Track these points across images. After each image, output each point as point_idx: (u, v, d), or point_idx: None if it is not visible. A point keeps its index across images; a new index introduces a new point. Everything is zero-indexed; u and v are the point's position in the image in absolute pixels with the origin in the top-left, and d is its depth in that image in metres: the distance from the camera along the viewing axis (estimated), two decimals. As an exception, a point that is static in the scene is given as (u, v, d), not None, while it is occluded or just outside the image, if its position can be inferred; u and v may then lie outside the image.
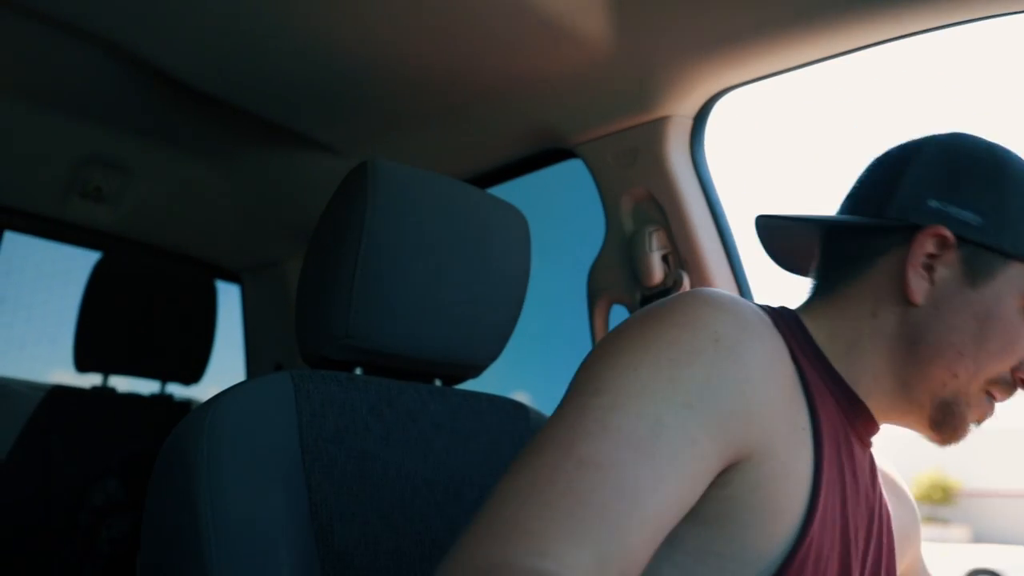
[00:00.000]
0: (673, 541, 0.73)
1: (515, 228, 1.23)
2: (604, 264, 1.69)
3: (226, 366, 2.61)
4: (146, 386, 2.32)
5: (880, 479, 0.95)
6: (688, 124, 1.58)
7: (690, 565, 0.73)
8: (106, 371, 2.20)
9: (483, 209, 1.19)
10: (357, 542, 0.98)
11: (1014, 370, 0.85)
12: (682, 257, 1.57)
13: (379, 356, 1.12)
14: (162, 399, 2.30)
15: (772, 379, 0.75)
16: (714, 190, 1.60)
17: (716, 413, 0.69)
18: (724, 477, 0.72)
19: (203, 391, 2.43)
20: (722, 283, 1.55)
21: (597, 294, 1.70)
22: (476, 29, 1.43)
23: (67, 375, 2.24)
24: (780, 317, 0.87)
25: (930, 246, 0.83)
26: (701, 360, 0.71)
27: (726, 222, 1.59)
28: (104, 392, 2.19)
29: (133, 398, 2.26)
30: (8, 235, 2.27)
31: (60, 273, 2.45)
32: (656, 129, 1.56)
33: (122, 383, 2.25)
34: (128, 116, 1.98)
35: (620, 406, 0.67)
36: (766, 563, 0.73)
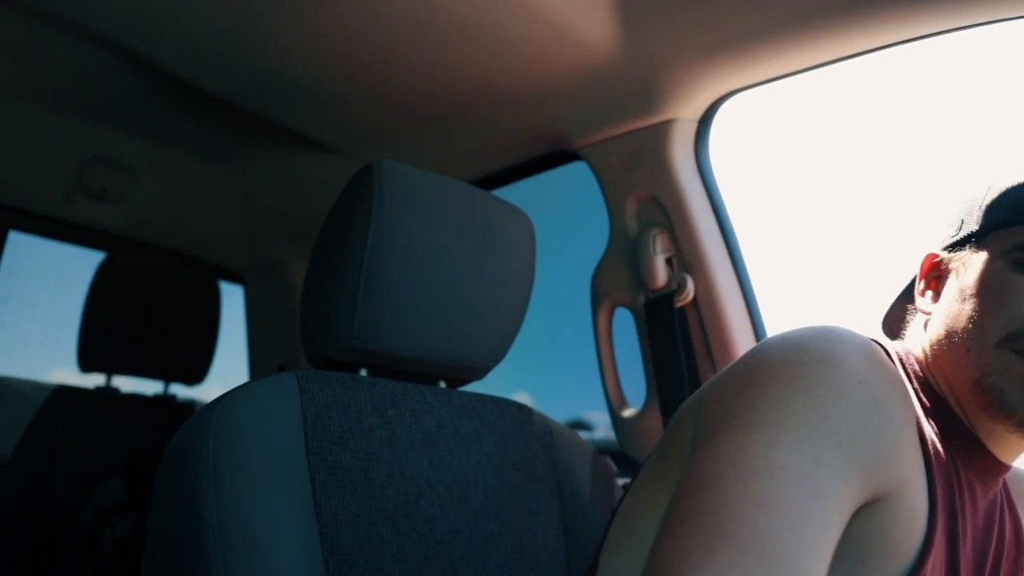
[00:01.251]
0: None
1: (520, 230, 1.23)
2: (608, 267, 1.69)
3: (229, 367, 2.61)
4: (149, 386, 2.32)
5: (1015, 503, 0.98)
6: (693, 127, 1.58)
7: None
8: (110, 371, 2.20)
9: (489, 211, 1.19)
10: (361, 543, 0.98)
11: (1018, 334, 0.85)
12: (686, 260, 1.57)
13: (384, 358, 1.12)
14: (165, 400, 2.30)
15: (906, 424, 0.78)
16: (718, 193, 1.61)
17: (863, 454, 0.71)
18: (854, 516, 0.73)
19: (206, 392, 2.43)
20: (725, 287, 1.56)
21: (601, 296, 1.70)
22: (482, 32, 1.43)
23: (71, 375, 2.24)
24: (898, 357, 0.92)
25: (926, 272, 0.97)
26: (849, 401, 0.72)
27: (730, 225, 1.60)
28: (108, 392, 2.20)
29: (136, 398, 2.26)
30: (13, 235, 2.27)
31: (64, 273, 2.45)
32: (661, 132, 1.57)
33: (126, 383, 2.25)
34: (133, 117, 1.98)
35: (780, 443, 0.68)
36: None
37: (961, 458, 0.88)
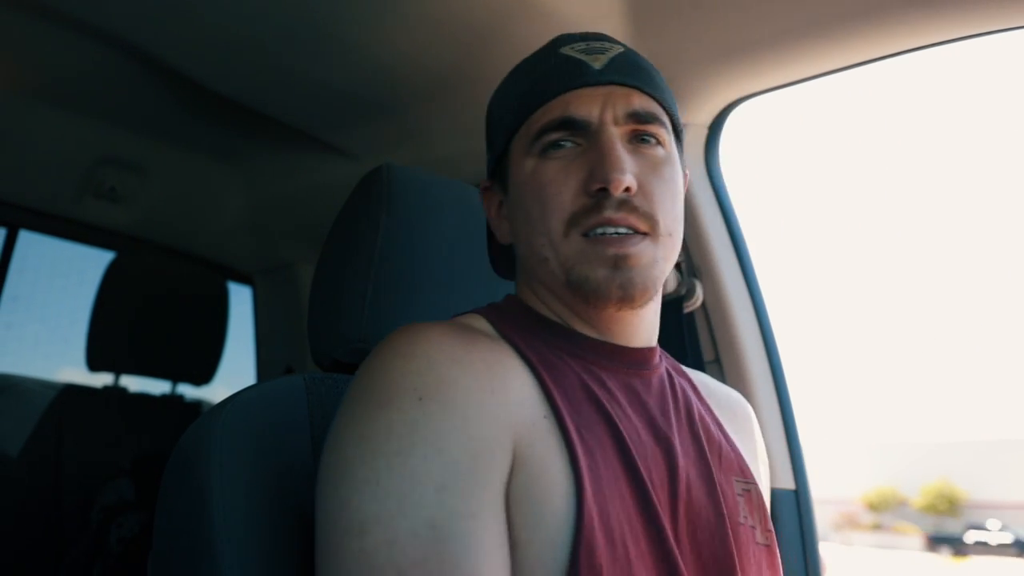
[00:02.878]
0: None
1: (530, 235, 1.22)
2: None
3: (236, 368, 2.61)
4: (157, 386, 2.33)
5: (709, 401, 0.99)
6: (703, 133, 1.58)
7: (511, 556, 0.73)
8: (118, 371, 2.21)
9: (498, 215, 1.19)
10: (368, 546, 0.98)
11: (589, 192, 0.85)
12: (695, 265, 1.57)
13: (392, 360, 1.12)
14: (173, 399, 2.30)
15: (497, 386, 0.78)
16: (728, 199, 1.60)
17: (467, 472, 0.71)
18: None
19: (213, 392, 2.43)
20: (735, 291, 1.55)
21: (609, 301, 1.70)
22: (494, 36, 1.43)
23: (79, 374, 2.25)
24: (497, 310, 0.94)
25: (487, 201, 1.00)
26: (420, 433, 0.72)
27: (740, 231, 1.59)
28: (115, 392, 2.20)
29: (144, 398, 2.27)
30: (23, 234, 2.28)
31: (74, 273, 2.46)
32: (671, 137, 1.56)
33: (133, 383, 2.26)
34: (144, 117, 1.99)
35: (392, 539, 0.68)
36: (560, 535, 0.73)
37: (600, 366, 0.88)
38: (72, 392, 2.13)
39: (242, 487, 0.90)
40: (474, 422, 0.74)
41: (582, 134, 0.88)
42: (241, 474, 0.91)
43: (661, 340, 1.60)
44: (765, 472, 1.06)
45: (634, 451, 0.81)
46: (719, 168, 1.61)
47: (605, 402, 0.84)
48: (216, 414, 0.95)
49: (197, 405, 2.37)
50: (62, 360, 2.44)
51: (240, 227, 2.44)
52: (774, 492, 1.44)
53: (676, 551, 0.77)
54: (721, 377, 1.54)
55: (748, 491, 0.92)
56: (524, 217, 0.90)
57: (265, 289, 2.70)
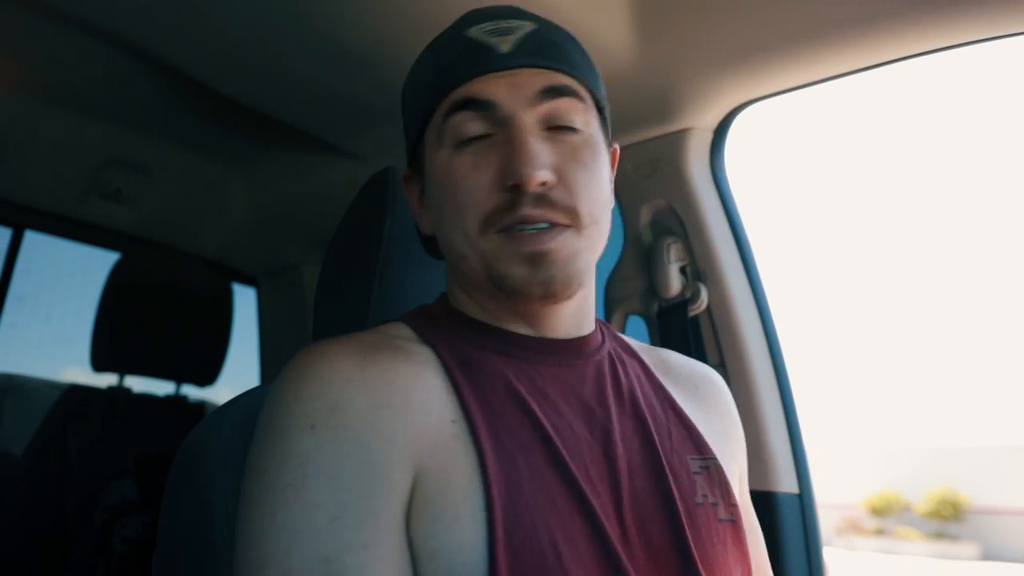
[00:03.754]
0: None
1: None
2: (621, 275, 1.69)
3: (241, 369, 2.62)
4: (161, 387, 2.33)
5: (665, 380, 0.97)
6: (709, 136, 1.58)
7: (423, 569, 0.72)
8: (122, 371, 2.21)
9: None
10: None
11: (504, 188, 0.82)
12: (700, 269, 1.57)
13: (397, 362, 1.12)
14: (177, 400, 2.30)
15: (386, 416, 0.75)
16: (733, 203, 1.60)
17: (360, 499, 0.70)
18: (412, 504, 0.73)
19: (216, 394, 2.44)
20: (739, 296, 1.55)
21: (614, 305, 1.70)
22: (499, 38, 1.43)
23: (83, 374, 2.25)
24: (425, 313, 0.93)
25: (411, 187, 0.96)
26: (312, 463, 0.71)
27: (745, 234, 1.59)
28: (120, 392, 2.20)
29: (148, 399, 2.27)
30: (29, 234, 2.29)
31: (79, 273, 2.47)
32: (676, 141, 1.57)
33: (138, 383, 2.26)
34: (150, 118, 2.00)
35: (285, 572, 0.68)
36: (469, 542, 0.71)
37: (529, 362, 0.86)
38: (76, 392, 2.13)
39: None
40: (367, 446, 0.73)
41: (491, 121, 0.84)
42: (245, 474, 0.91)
43: (666, 343, 1.60)
44: (738, 446, 1.02)
45: (563, 449, 0.79)
46: (724, 172, 1.61)
47: (532, 401, 0.82)
48: (222, 415, 0.95)
49: (201, 406, 2.37)
50: (67, 360, 2.45)
51: (245, 229, 2.44)
52: (778, 496, 1.44)
53: (618, 546, 0.76)
54: (726, 380, 1.54)
55: (707, 468, 0.89)
56: (440, 212, 0.88)
57: (269, 290, 2.70)
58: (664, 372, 1.01)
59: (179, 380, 2.31)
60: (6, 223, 2.27)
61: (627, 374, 0.93)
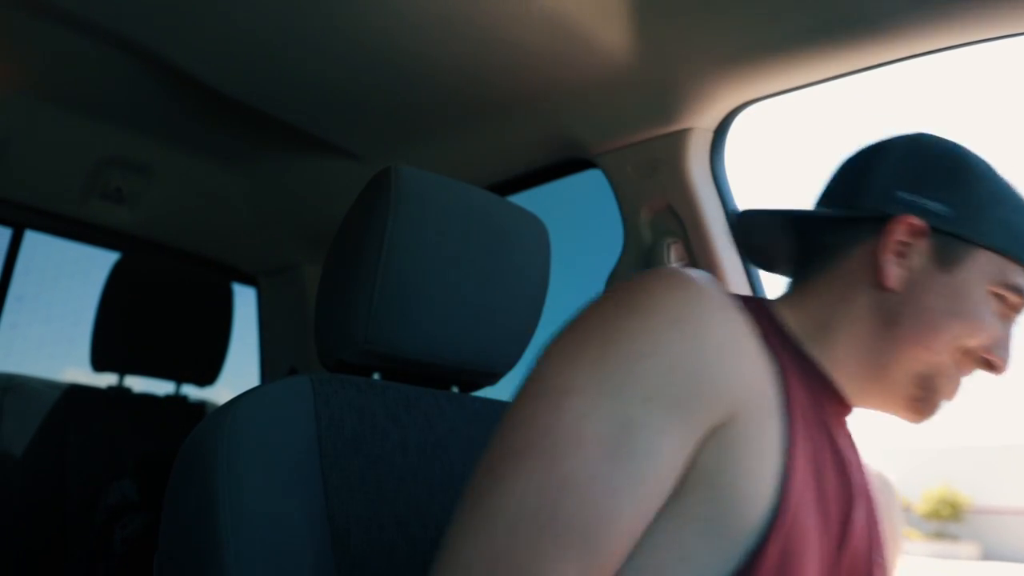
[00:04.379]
0: (660, 511, 0.74)
1: (536, 237, 1.23)
2: (622, 275, 1.69)
3: (241, 369, 2.62)
4: (161, 387, 2.33)
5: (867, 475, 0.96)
6: (709, 137, 1.59)
7: (676, 530, 0.73)
8: (122, 371, 2.21)
9: (504, 217, 1.19)
10: (373, 548, 0.98)
11: (983, 350, 0.87)
12: (700, 269, 1.57)
13: (397, 362, 1.12)
14: (177, 400, 2.31)
15: (733, 353, 0.76)
16: (733, 203, 1.61)
17: (681, 399, 0.71)
18: (704, 447, 0.74)
19: (216, 394, 2.44)
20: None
21: (614, 304, 1.70)
22: (499, 39, 1.43)
23: (84, 374, 2.25)
24: (751, 302, 0.90)
25: (902, 234, 0.87)
26: (663, 348, 0.72)
27: (744, 235, 1.59)
28: (120, 392, 2.21)
29: (148, 398, 2.27)
30: (29, 234, 2.29)
31: (79, 273, 2.47)
32: (676, 141, 1.57)
33: (138, 383, 2.26)
34: (150, 118, 2.00)
35: (591, 411, 0.69)
36: (750, 525, 0.73)
37: (820, 397, 0.88)
38: (77, 392, 2.13)
39: (249, 486, 0.91)
40: (712, 366, 0.73)
41: None
42: (248, 473, 0.91)
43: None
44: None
45: (828, 486, 0.82)
46: (724, 172, 1.62)
47: (817, 429, 0.84)
48: (224, 413, 0.95)
49: (201, 406, 2.37)
50: (67, 360, 2.45)
51: (245, 228, 2.44)
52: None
53: None
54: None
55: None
56: (920, 312, 0.87)
57: (269, 290, 2.70)
58: None
59: (179, 380, 2.31)
60: (6, 223, 2.27)
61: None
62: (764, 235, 1.02)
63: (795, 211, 0.97)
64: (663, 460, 0.70)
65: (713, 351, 0.74)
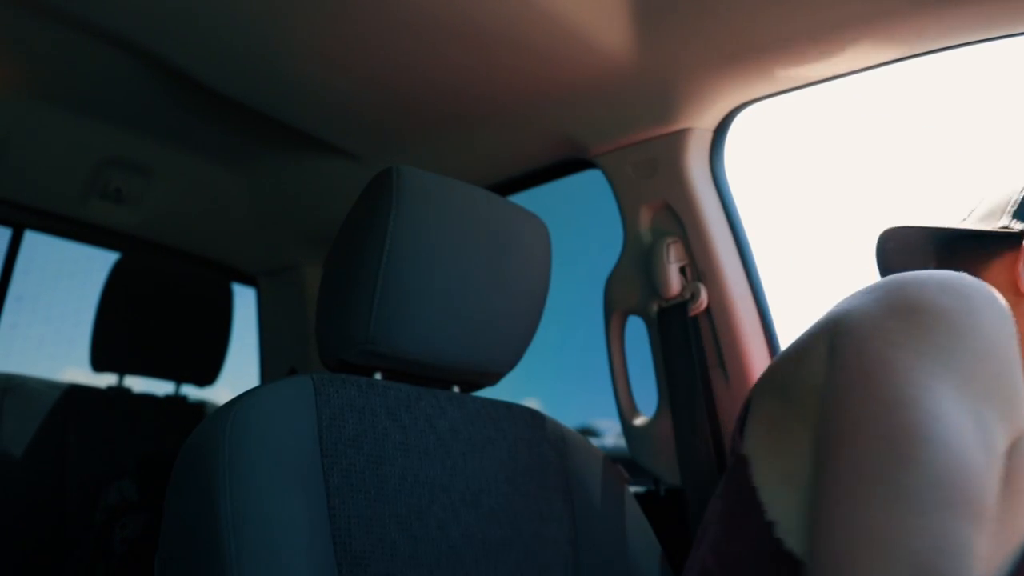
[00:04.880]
0: None
1: (537, 237, 1.23)
2: (621, 275, 1.69)
3: (240, 369, 2.62)
4: (161, 387, 2.33)
5: None
6: (708, 137, 1.59)
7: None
8: (122, 371, 2.21)
9: (505, 217, 1.19)
10: (374, 547, 0.98)
11: None
12: (700, 269, 1.57)
13: (398, 362, 1.12)
14: (177, 400, 2.31)
15: None
16: (733, 203, 1.61)
17: (1006, 404, 0.73)
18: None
19: (216, 394, 2.44)
20: (739, 296, 1.56)
21: (614, 304, 1.70)
22: (500, 39, 1.43)
23: (83, 375, 2.25)
24: None
25: None
26: (999, 352, 0.74)
27: (744, 235, 1.60)
28: (119, 392, 2.21)
29: (148, 398, 2.27)
30: (28, 234, 2.28)
31: (79, 273, 2.46)
32: (676, 141, 1.57)
33: (137, 383, 2.26)
34: (149, 118, 1.99)
35: (951, 404, 0.70)
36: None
37: None
38: (76, 392, 2.13)
39: (249, 487, 0.91)
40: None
41: None
42: (250, 473, 0.91)
43: (666, 343, 1.61)
44: None
45: None
46: (724, 172, 1.62)
47: None
48: (225, 413, 0.95)
49: (201, 406, 2.37)
50: (67, 360, 2.45)
51: (245, 229, 2.44)
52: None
53: None
54: (725, 381, 1.55)
55: None
56: None
57: (269, 290, 2.70)
58: None
59: (179, 380, 2.31)
60: (6, 223, 2.27)
61: None
62: (903, 252, 1.12)
63: (955, 229, 1.07)
64: (998, 461, 0.72)
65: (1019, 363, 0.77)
